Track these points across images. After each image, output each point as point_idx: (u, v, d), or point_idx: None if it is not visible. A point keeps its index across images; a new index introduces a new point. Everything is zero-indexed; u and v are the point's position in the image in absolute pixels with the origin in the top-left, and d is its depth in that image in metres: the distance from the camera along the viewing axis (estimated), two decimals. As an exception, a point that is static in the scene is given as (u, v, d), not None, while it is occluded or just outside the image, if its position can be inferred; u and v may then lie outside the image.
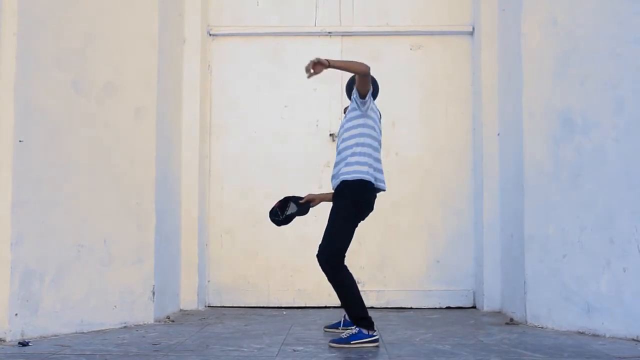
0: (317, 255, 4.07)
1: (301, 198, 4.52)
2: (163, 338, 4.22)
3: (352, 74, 4.24)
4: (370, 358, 3.68)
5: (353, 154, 4.10)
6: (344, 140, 4.16)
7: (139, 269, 4.76)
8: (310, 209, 4.56)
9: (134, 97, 4.81)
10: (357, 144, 4.11)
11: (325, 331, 4.52)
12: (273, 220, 4.51)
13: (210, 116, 5.86)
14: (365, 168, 4.08)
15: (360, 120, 4.13)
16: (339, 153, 4.18)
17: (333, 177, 4.22)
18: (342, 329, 4.42)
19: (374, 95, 4.30)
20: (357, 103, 4.12)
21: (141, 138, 4.83)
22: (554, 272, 4.59)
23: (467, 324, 4.86)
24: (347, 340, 3.97)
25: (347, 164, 4.09)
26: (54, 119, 4.35)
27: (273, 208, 4.50)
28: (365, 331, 4.01)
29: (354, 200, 4.09)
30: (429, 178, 5.78)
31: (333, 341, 4.01)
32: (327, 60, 3.95)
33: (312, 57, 3.98)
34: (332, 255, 4.02)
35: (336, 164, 4.19)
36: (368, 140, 4.13)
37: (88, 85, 4.55)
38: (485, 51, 5.57)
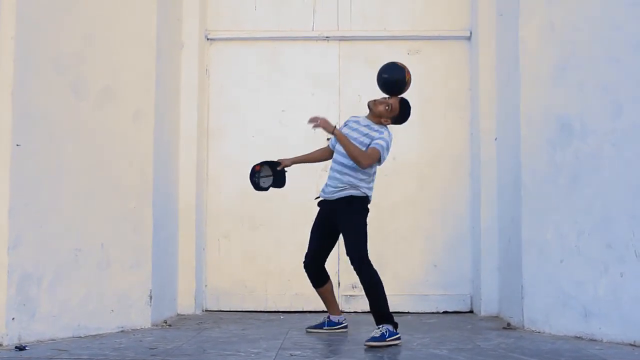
0: (352, 260, 4.31)
1: (278, 164, 4.72)
2: (160, 342, 4.21)
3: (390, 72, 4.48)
4: (368, 363, 3.69)
5: (369, 176, 4.42)
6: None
7: (136, 273, 4.75)
8: (286, 178, 4.77)
9: (132, 100, 4.81)
10: (363, 179, 4.41)
11: (308, 331, 4.64)
12: (252, 183, 4.71)
13: (208, 120, 5.86)
14: (372, 188, 4.48)
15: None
16: (350, 167, 4.38)
17: (337, 187, 4.42)
18: (326, 329, 4.64)
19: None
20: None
21: (139, 142, 4.83)
22: (552, 276, 4.59)
23: (464, 328, 4.86)
24: (383, 338, 4.12)
25: (361, 180, 4.40)
26: (52, 122, 4.34)
27: (252, 170, 4.70)
28: (392, 328, 4.18)
29: (363, 210, 4.43)
30: (427, 182, 5.78)
31: (369, 341, 4.12)
32: (334, 127, 4.37)
33: (321, 118, 4.45)
34: (364, 257, 4.29)
35: (343, 173, 4.41)
36: (368, 177, 4.46)
37: (86, 89, 4.55)
38: (483, 56, 5.58)
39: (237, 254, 5.77)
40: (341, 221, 4.42)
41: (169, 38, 5.34)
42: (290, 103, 5.86)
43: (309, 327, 4.70)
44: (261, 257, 5.75)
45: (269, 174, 4.70)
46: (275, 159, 4.74)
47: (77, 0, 4.54)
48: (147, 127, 4.87)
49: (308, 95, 5.86)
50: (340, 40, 5.89)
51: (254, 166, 4.70)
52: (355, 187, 4.38)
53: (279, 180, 4.73)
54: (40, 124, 4.27)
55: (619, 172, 4.31)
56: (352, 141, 4.38)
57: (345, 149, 4.34)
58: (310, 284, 5.60)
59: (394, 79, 4.44)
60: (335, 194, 4.42)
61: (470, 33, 5.80)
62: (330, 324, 4.68)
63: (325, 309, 4.87)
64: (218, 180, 5.83)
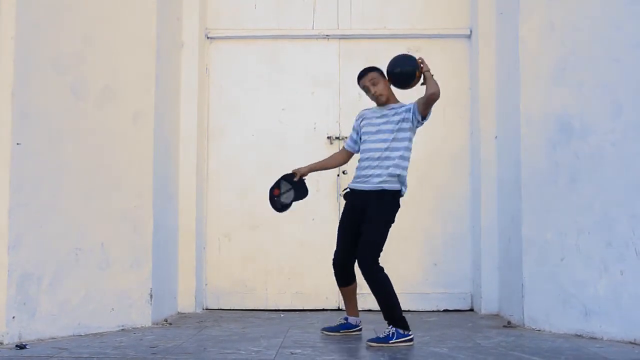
0: (360, 260, 4.19)
1: (294, 175, 4.55)
2: (161, 341, 4.21)
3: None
4: (368, 361, 3.69)
5: (397, 167, 4.26)
6: (395, 140, 4.27)
7: (136, 272, 4.76)
8: (307, 186, 4.59)
9: (132, 100, 4.81)
10: (402, 157, 4.28)
11: (323, 333, 4.55)
12: (274, 207, 4.57)
13: (208, 119, 5.86)
14: (405, 179, 4.33)
15: (411, 134, 4.33)
16: (385, 149, 4.26)
17: (372, 175, 4.28)
18: (342, 332, 4.51)
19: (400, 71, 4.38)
20: (416, 121, 4.30)
21: (139, 141, 4.83)
22: (552, 275, 4.60)
23: (464, 326, 4.86)
24: (385, 340, 4.08)
25: (392, 174, 4.25)
26: (52, 122, 4.35)
27: (270, 194, 4.55)
28: (401, 331, 4.12)
29: (396, 207, 4.34)
30: (427, 181, 5.78)
31: (371, 340, 4.11)
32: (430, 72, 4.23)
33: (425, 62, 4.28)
34: (375, 259, 4.18)
35: (379, 159, 4.27)
36: (409, 154, 4.34)
37: (86, 89, 4.56)
38: (483, 55, 5.58)
39: (237, 252, 5.77)
40: (369, 215, 4.28)
41: (169, 37, 5.34)
42: (290, 102, 5.86)
43: (324, 329, 4.58)
44: (261, 256, 5.76)
45: (289, 188, 4.54)
46: (290, 171, 4.57)
47: (77, 0, 4.54)
48: (147, 126, 4.87)
49: (308, 94, 5.86)
50: (340, 38, 5.89)
51: (272, 190, 4.53)
52: (390, 181, 4.25)
53: (300, 191, 4.55)
54: (40, 123, 4.28)
55: (618, 171, 4.32)
56: (385, 133, 4.29)
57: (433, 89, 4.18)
58: (311, 283, 5.65)
59: (404, 71, 4.33)
60: (368, 179, 4.27)
61: (470, 32, 5.80)
62: (347, 326, 4.53)
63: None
64: (218, 179, 5.83)
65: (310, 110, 5.83)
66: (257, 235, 5.75)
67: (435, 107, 5.75)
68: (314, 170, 4.62)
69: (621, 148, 4.31)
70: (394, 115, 4.33)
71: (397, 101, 4.44)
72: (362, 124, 4.45)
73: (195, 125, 5.61)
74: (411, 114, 4.29)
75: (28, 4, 4.22)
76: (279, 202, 4.54)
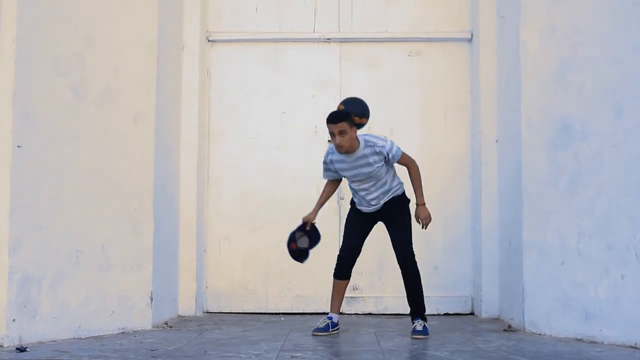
0: (406, 257, 4.63)
1: (302, 226, 4.73)
2: (161, 344, 4.21)
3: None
4: (369, 364, 3.69)
5: (394, 178, 4.71)
6: (383, 177, 4.60)
7: (137, 275, 4.76)
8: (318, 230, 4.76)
9: (132, 102, 4.81)
10: (390, 173, 4.67)
11: (314, 335, 4.59)
12: (297, 259, 4.74)
13: (209, 122, 5.86)
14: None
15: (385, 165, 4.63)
16: (379, 186, 4.61)
17: (380, 199, 4.65)
18: (332, 331, 4.66)
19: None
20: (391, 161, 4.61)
21: (140, 144, 4.83)
22: (552, 278, 4.59)
23: (465, 330, 4.86)
24: (427, 332, 4.56)
25: (394, 185, 4.69)
26: (53, 124, 4.35)
27: (289, 250, 4.71)
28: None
29: (409, 206, 4.76)
30: (427, 184, 5.70)
31: (417, 333, 4.51)
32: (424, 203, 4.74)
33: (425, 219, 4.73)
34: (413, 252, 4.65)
35: (378, 190, 4.62)
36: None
37: (87, 91, 4.56)
38: (484, 57, 5.58)
39: (237, 255, 5.77)
40: (392, 218, 4.69)
41: (170, 39, 5.35)
42: (291, 105, 5.86)
43: (316, 330, 4.64)
44: (262, 258, 5.75)
45: (302, 235, 4.71)
46: (300, 222, 4.73)
47: (78, 1, 4.55)
48: (148, 128, 4.87)
49: (309, 97, 5.86)
50: (341, 42, 5.89)
51: (290, 245, 4.69)
52: (396, 189, 4.70)
53: (315, 237, 4.73)
54: (41, 125, 4.28)
55: (619, 173, 4.31)
56: (367, 177, 4.57)
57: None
58: (311, 286, 5.64)
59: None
60: (382, 201, 4.65)
61: (472, 35, 5.80)
62: (334, 324, 4.67)
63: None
64: (219, 182, 5.83)
65: (311, 113, 5.81)
66: (257, 238, 5.75)
67: (436, 110, 5.83)
68: (318, 211, 4.79)
69: (622, 150, 4.31)
70: (377, 155, 4.57)
71: (364, 140, 4.56)
72: (335, 165, 4.67)
73: (196, 128, 5.61)
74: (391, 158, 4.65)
75: (29, 5, 4.22)
76: (298, 251, 4.71)
